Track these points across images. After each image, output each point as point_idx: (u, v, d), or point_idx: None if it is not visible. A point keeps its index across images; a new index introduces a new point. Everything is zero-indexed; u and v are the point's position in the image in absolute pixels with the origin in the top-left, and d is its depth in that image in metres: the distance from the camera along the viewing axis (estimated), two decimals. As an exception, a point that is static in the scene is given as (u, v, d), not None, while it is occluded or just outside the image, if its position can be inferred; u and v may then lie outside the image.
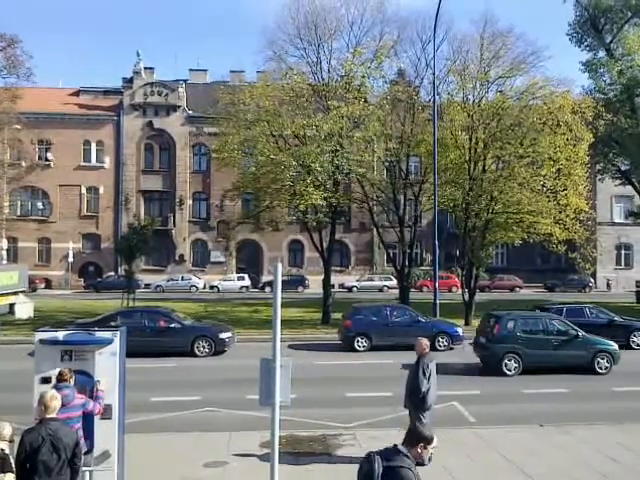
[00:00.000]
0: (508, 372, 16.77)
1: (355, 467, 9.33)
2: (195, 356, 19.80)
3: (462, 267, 30.96)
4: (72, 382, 7.05)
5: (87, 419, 7.15)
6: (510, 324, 17.35)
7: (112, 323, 18.29)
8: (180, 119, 55.51)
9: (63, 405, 6.28)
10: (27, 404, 7.29)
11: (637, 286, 46.81)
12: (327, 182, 26.88)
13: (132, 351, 16.88)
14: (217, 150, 29.50)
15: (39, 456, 5.57)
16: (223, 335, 20.50)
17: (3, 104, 34.12)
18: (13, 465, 5.91)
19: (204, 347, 20.07)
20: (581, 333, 17.39)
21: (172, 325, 20.48)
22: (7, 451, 6.40)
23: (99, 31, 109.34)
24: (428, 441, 4.57)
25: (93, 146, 54.86)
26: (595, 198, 42.07)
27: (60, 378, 6.98)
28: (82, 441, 6.59)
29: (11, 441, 6.53)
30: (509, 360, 16.83)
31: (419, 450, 4.53)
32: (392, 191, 29.51)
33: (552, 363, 16.85)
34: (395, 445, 4.60)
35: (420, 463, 4.60)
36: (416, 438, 4.56)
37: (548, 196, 26.75)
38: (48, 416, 5.78)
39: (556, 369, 16.62)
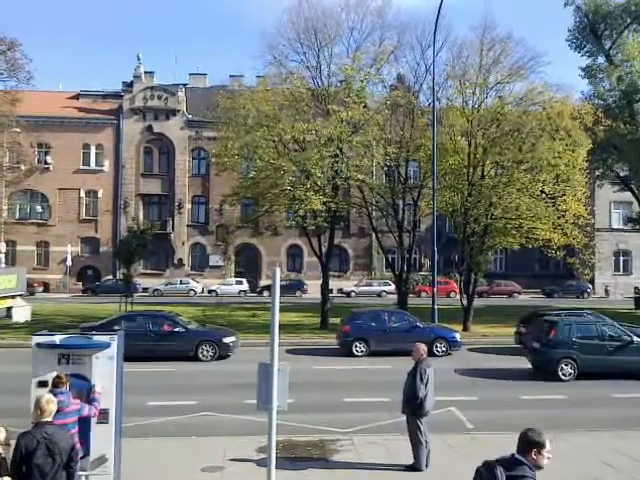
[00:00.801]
0: (564, 377, 16.88)
1: (352, 472, 9.37)
2: (199, 360, 19.77)
3: (460, 272, 30.94)
4: (67, 387, 7.03)
5: (83, 423, 7.13)
6: (566, 329, 17.47)
7: (116, 327, 18.22)
8: (179, 123, 55.56)
9: (58, 411, 6.26)
10: (24, 408, 7.26)
11: (635, 292, 46.88)
12: (326, 187, 26.89)
13: (136, 355, 17.14)
14: (217, 154, 29.52)
15: (34, 460, 5.54)
16: (227, 339, 20.47)
17: (2, 107, 34.11)
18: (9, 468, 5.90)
19: (208, 351, 20.01)
20: (635, 339, 17.50)
21: (176, 329, 20.44)
22: (3, 454, 6.39)
23: (99, 35, 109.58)
24: (541, 445, 4.49)
25: (92, 150, 54.89)
26: (594, 204, 42.12)
27: (56, 383, 6.97)
28: (78, 445, 6.56)
29: (7, 444, 6.52)
30: (565, 365, 16.95)
31: (534, 456, 4.49)
32: (391, 196, 29.52)
33: (607, 368, 16.91)
34: (512, 454, 4.54)
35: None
36: (528, 444, 4.49)
37: (547, 201, 26.78)
38: (44, 420, 5.77)
39: (611, 374, 16.68)
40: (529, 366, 18.96)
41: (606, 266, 52.88)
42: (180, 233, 55.47)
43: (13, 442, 5.96)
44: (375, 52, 28.41)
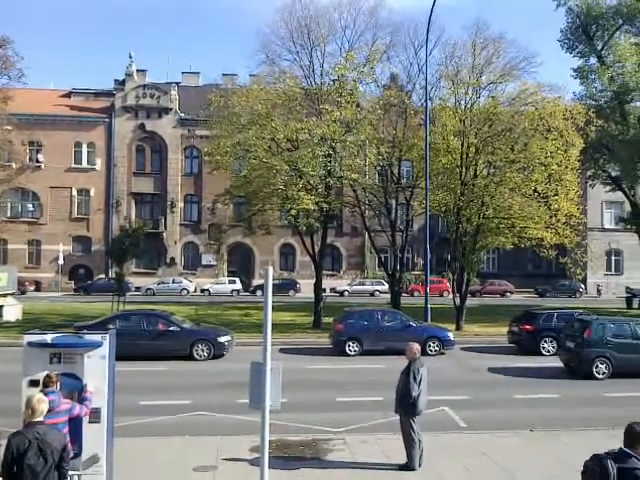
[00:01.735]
0: (598, 376, 17.09)
1: (345, 472, 9.35)
2: (194, 360, 19.68)
3: (453, 272, 30.99)
4: (58, 386, 6.99)
5: (75, 423, 7.08)
6: (600, 328, 17.65)
7: (110, 326, 18.13)
8: (172, 121, 55.39)
9: (49, 410, 6.22)
10: (15, 407, 7.22)
11: (627, 292, 47.10)
12: (319, 186, 26.87)
13: (130, 354, 17.12)
14: (209, 153, 29.45)
15: (25, 460, 5.50)
16: (222, 339, 20.36)
17: (-6, 105, 33.97)
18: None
19: (203, 351, 19.91)
20: None
21: (171, 328, 20.30)
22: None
23: (91, 33, 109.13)
24: None
25: (84, 148, 54.65)
26: (586, 204, 42.23)
27: (46, 383, 6.92)
28: (69, 445, 6.52)
29: (-4, 444, 6.46)
30: (600, 364, 17.17)
31: None
32: (384, 195, 29.54)
33: None
34: (621, 448, 4.63)
35: None
36: (636, 437, 4.56)
37: (539, 201, 26.84)
38: (35, 420, 5.72)
39: None
40: (522, 365, 19.08)
41: (598, 266, 52.89)
42: (172, 232, 55.33)
43: (4, 442, 5.91)
44: (368, 51, 28.40)
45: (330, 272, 52.17)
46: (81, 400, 7.25)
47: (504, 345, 22.64)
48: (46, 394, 6.51)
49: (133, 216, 52.20)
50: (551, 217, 26.63)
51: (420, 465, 9.46)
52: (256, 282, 52.77)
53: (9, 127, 38.72)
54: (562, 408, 13.91)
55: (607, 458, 4.58)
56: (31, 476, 5.51)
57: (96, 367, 7.59)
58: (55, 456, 5.60)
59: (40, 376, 7.26)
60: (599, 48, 37.52)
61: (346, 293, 51.43)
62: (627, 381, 16.62)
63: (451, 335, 21.90)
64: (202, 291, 51.14)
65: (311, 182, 26.29)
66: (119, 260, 31.31)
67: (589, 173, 39.33)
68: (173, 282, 52.09)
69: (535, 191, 27.00)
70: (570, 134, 26.70)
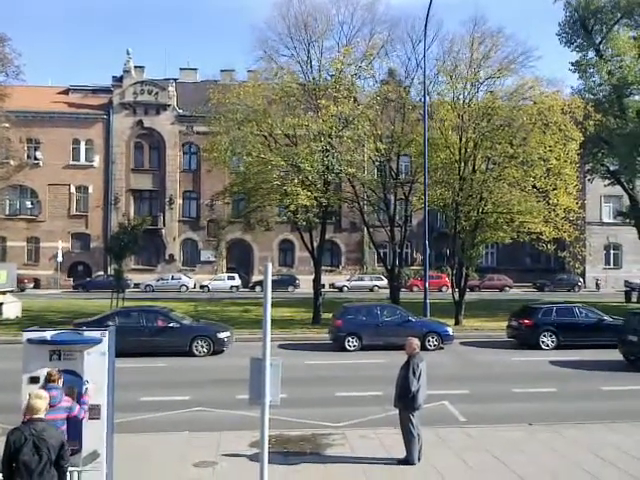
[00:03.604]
0: None
1: (345, 466, 9.37)
2: (194, 356, 19.70)
3: (452, 267, 31.01)
4: (60, 383, 7.02)
5: (74, 420, 7.10)
6: None
7: (109, 323, 18.15)
8: (170, 118, 55.31)
9: (51, 406, 6.23)
10: (16, 404, 7.24)
11: (626, 286, 47.16)
12: (317, 182, 26.82)
13: (130, 351, 17.14)
14: (207, 150, 29.42)
15: (20, 456, 5.51)
16: (222, 335, 20.35)
17: (-9, 102, 33.91)
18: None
19: (203, 347, 19.93)
20: None
21: (170, 324, 20.33)
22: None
23: (88, 29, 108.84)
24: None
25: (82, 145, 54.57)
26: (584, 198, 42.23)
27: (49, 379, 6.95)
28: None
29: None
30: None
31: None
32: (382, 191, 29.54)
33: None
34: None
35: None
36: None
37: (538, 196, 26.84)
38: (35, 416, 5.73)
39: None
40: (521, 359, 19.13)
41: (597, 260, 53.16)
42: (171, 228, 55.30)
43: (3, 438, 5.93)
44: (366, 46, 28.34)
45: (329, 268, 52.18)
46: (80, 402, 7.24)
47: (503, 340, 22.68)
48: (48, 389, 6.54)
49: (132, 213, 52.12)
50: (550, 211, 26.62)
51: (419, 459, 9.49)
52: (255, 278, 52.78)
53: (7, 124, 38.64)
54: (561, 402, 13.94)
55: None
56: (26, 472, 5.52)
57: (96, 364, 7.60)
58: (52, 453, 5.59)
59: (40, 373, 7.29)
60: (597, 42, 37.50)
61: (345, 288, 51.46)
62: (625, 375, 16.69)
63: (450, 330, 21.92)
64: (201, 287, 51.15)
65: (309, 178, 26.25)
66: (118, 257, 31.27)
67: (588, 167, 39.36)
68: (172, 278, 52.10)
69: (534, 186, 26.98)
70: (569, 128, 26.64)
